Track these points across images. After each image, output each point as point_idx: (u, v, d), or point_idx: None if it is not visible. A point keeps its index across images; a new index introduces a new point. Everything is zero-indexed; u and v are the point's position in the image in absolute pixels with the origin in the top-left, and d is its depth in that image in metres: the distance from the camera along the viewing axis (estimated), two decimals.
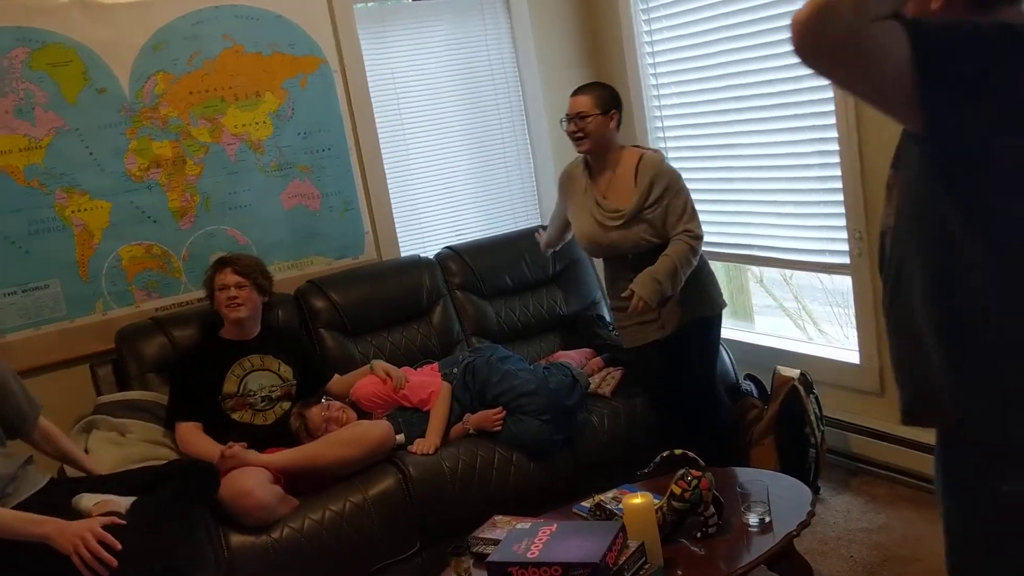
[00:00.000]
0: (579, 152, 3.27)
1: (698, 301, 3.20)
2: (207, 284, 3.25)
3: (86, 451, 2.98)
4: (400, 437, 3.19)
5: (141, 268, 3.52)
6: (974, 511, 1.46)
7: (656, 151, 3.33)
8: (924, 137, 1.30)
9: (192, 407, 3.11)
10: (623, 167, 3.22)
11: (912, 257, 1.43)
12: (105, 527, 2.33)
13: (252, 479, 2.83)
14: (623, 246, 3.17)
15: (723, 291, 3.39)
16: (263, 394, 3.19)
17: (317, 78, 3.78)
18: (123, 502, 2.50)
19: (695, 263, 3.12)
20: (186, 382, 3.14)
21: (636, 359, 3.35)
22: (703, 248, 3.18)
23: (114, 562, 2.29)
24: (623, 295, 3.08)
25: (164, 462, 2.90)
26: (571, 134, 3.21)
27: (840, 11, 1.18)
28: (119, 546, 2.31)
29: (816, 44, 1.22)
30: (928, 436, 3.19)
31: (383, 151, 3.97)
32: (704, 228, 3.20)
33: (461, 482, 3.07)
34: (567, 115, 3.22)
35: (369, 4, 3.97)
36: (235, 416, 3.15)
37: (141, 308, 3.51)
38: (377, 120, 3.95)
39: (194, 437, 3.06)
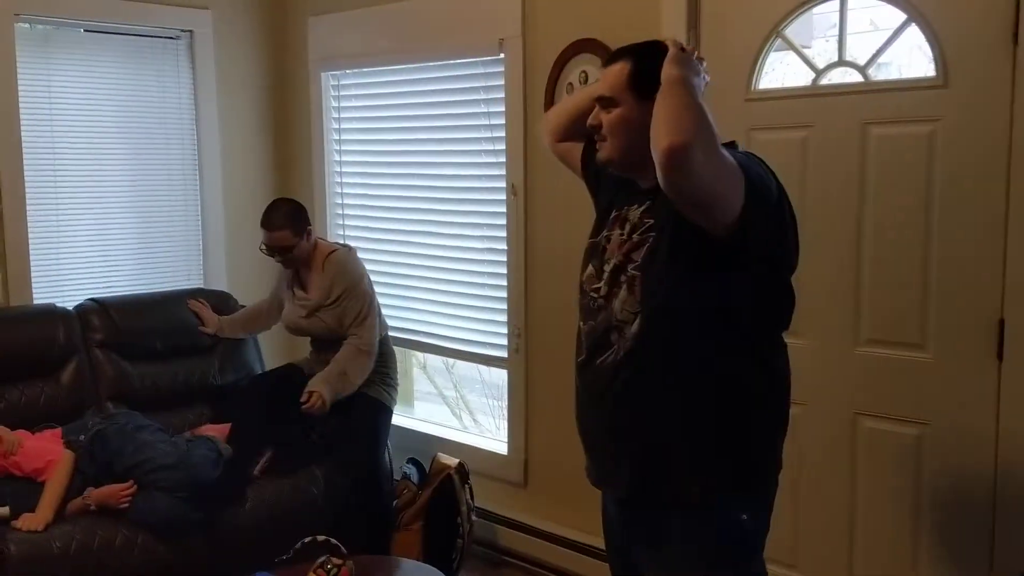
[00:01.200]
0: (285, 268, 3.56)
1: (376, 385, 3.46)
2: None
3: None
4: (4, 510, 2.81)
5: None
6: None
7: (346, 249, 3.56)
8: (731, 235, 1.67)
9: None
10: (316, 262, 3.50)
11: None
12: None
13: None
14: (313, 331, 3.52)
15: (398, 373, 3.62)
16: None
17: None
18: None
19: (369, 365, 3.40)
20: None
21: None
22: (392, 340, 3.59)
23: None
24: (302, 399, 3.24)
25: None
26: (277, 260, 3.50)
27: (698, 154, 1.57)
28: None
29: (687, 171, 1.60)
30: (563, 528, 3.36)
31: (27, 184, 3.56)
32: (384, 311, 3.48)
33: (73, 564, 2.74)
34: (268, 247, 3.45)
35: (36, 26, 3.60)
36: None
37: None
38: (24, 149, 3.54)
39: None
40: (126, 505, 2.91)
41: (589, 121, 1.88)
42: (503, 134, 3.48)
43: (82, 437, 3.04)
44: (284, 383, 3.42)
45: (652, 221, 1.80)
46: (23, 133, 3.55)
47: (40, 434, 3.11)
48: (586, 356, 1.90)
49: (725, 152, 1.66)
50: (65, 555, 2.74)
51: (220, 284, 4.06)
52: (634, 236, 1.82)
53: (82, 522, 2.86)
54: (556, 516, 3.45)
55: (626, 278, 1.81)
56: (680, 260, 1.73)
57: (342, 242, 3.68)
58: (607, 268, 1.87)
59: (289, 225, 3.40)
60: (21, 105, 3.53)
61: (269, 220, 3.42)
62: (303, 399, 3.23)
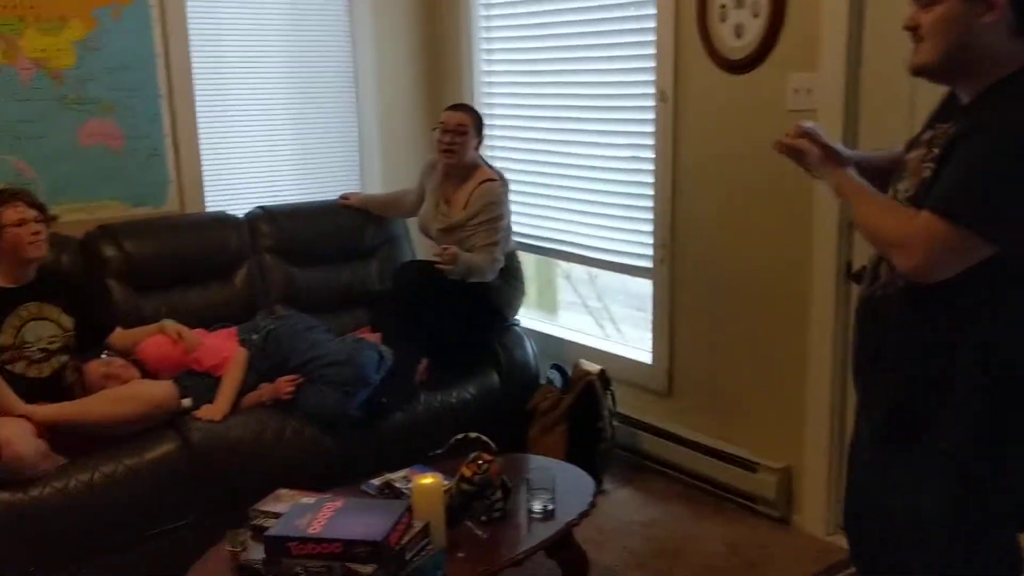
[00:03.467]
0: (444, 161, 3.57)
1: (499, 295, 3.58)
2: None
3: None
4: (187, 401, 3.03)
5: None
6: None
7: (501, 181, 3.59)
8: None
9: None
10: (470, 182, 3.55)
11: None
12: None
13: (12, 429, 2.59)
14: (439, 242, 3.53)
15: (528, 286, 3.73)
16: (40, 345, 2.93)
17: (132, 11, 3.52)
18: None
19: (488, 278, 3.47)
20: None
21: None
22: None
23: None
24: (439, 250, 3.37)
25: None
26: (445, 145, 3.51)
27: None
28: None
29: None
30: (705, 437, 3.40)
31: (198, 98, 3.75)
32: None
33: (248, 452, 2.96)
34: (444, 126, 3.52)
35: None
36: (12, 369, 2.88)
37: None
38: (194, 65, 3.72)
39: None
40: (289, 396, 3.11)
41: (904, 23, 1.66)
42: (653, 38, 3.41)
43: (255, 336, 3.26)
44: (413, 289, 3.52)
45: (938, 152, 1.60)
46: (192, 50, 3.71)
47: (217, 333, 3.35)
48: (866, 281, 1.78)
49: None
50: (240, 443, 2.95)
51: (376, 191, 4.20)
52: (923, 163, 1.64)
53: (255, 414, 3.07)
54: (698, 424, 3.47)
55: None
56: None
57: (499, 171, 3.71)
58: (899, 189, 1.69)
59: (471, 117, 3.58)
60: (189, 22, 3.70)
61: (455, 105, 3.67)
62: (437, 252, 3.35)
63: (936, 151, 1.61)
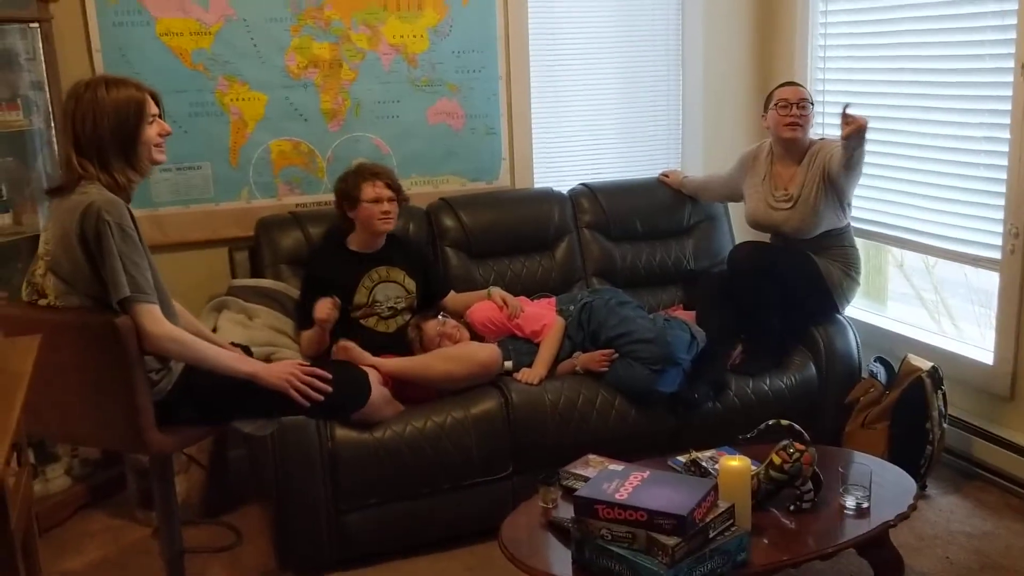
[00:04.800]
0: (787, 136, 3.49)
1: (837, 287, 3.45)
2: (347, 191, 3.25)
3: (214, 330, 3.12)
4: (508, 364, 3.23)
5: (287, 163, 3.65)
6: None
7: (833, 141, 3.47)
8: None
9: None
10: (803, 160, 3.49)
11: None
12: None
13: None
14: (784, 227, 3.50)
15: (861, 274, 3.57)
16: (389, 304, 3.29)
17: None
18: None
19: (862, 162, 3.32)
20: (318, 292, 3.18)
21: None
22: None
23: (329, 388, 2.48)
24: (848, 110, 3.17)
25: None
26: (792, 119, 3.45)
27: None
28: (329, 376, 2.50)
29: None
30: None
31: (533, 80, 3.95)
32: (855, 202, 3.51)
33: (561, 416, 3.10)
34: (788, 101, 3.47)
35: None
36: (365, 324, 3.26)
37: (283, 201, 3.65)
38: (532, 48, 3.92)
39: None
40: (605, 369, 3.20)
41: None
42: (1015, 6, 3.07)
43: (572, 307, 3.40)
44: (750, 273, 3.44)
45: None
46: (531, 35, 3.91)
47: (537, 301, 3.54)
48: None
49: None
50: (555, 407, 3.10)
51: (696, 173, 4.19)
52: None
53: (569, 381, 3.20)
54: None
55: None
56: None
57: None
58: None
59: (806, 89, 3.57)
60: (529, 6, 3.89)
61: (789, 82, 3.65)
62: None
63: None
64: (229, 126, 3.54)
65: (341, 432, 2.88)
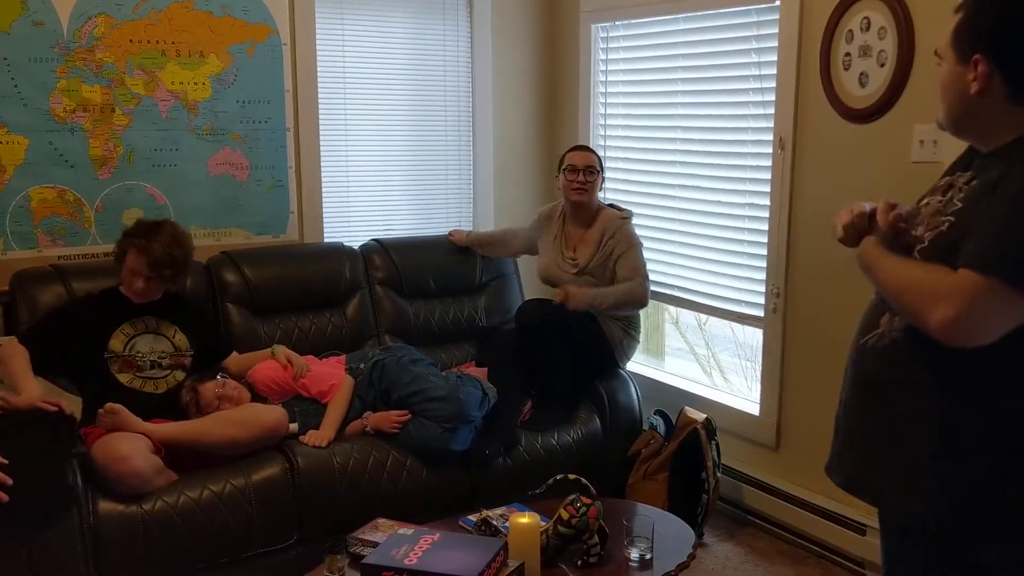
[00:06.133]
0: (575, 200, 3.64)
1: (617, 344, 3.57)
2: (118, 251, 3.06)
3: None
4: (294, 426, 3.10)
5: (50, 212, 3.37)
6: None
7: (627, 214, 3.69)
8: None
9: (49, 345, 2.92)
10: (598, 224, 3.64)
11: None
12: None
13: (131, 445, 2.71)
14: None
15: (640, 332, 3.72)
16: (152, 359, 3.07)
17: (265, 48, 3.69)
18: None
19: (629, 304, 3.55)
20: (62, 320, 2.98)
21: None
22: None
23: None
24: (558, 289, 3.51)
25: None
26: (579, 184, 3.60)
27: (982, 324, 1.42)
28: (9, 481, 2.28)
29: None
30: (814, 495, 3.27)
31: (322, 132, 3.89)
32: None
33: (350, 480, 3.00)
34: (576, 166, 3.62)
35: None
36: (121, 378, 3.01)
37: (44, 253, 3.36)
38: (321, 100, 3.87)
39: (18, 357, 2.85)
40: (397, 430, 3.14)
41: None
42: (773, 85, 3.36)
43: (362, 365, 3.32)
44: (538, 328, 3.51)
45: (960, 206, 1.51)
46: (320, 84, 3.85)
47: (326, 360, 3.43)
48: (857, 331, 1.69)
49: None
50: (343, 470, 3.00)
51: (487, 228, 4.26)
52: (940, 215, 1.54)
53: (359, 442, 3.10)
54: (807, 481, 3.35)
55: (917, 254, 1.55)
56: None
57: (625, 209, 3.79)
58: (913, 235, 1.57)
59: (596, 155, 3.71)
60: (318, 58, 3.84)
61: (580, 146, 3.81)
62: (559, 296, 3.46)
63: (956, 203, 1.52)
64: None
65: (105, 506, 2.65)
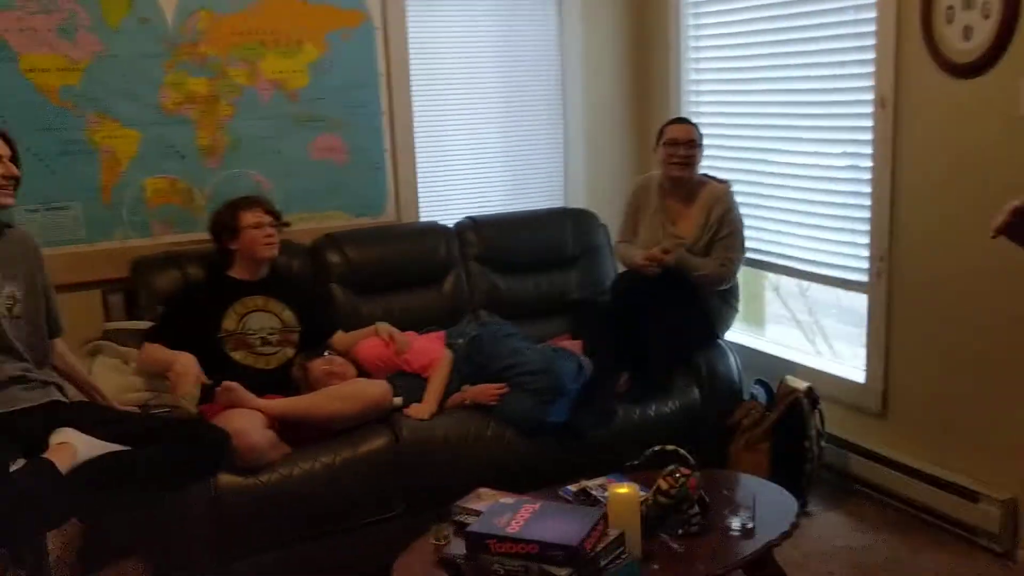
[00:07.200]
0: (675, 175, 3.60)
1: (715, 313, 3.59)
2: (226, 223, 3.22)
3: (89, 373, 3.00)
4: (398, 400, 3.20)
5: (163, 201, 3.54)
6: None
7: (727, 186, 3.64)
8: None
9: (176, 335, 3.07)
10: (701, 198, 3.60)
11: None
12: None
13: (247, 421, 2.85)
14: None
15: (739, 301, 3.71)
16: (262, 335, 3.20)
17: (359, 34, 3.77)
18: (83, 450, 2.40)
19: (718, 279, 3.55)
20: (180, 310, 3.15)
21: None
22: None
23: None
24: (660, 248, 3.51)
25: (167, 410, 2.91)
26: (680, 159, 3.55)
27: None
28: None
29: None
30: (922, 462, 3.20)
31: (415, 114, 3.96)
32: None
33: (452, 451, 3.08)
34: (677, 140, 3.56)
35: None
36: (235, 355, 3.16)
37: (158, 240, 3.53)
38: (413, 83, 3.93)
39: (158, 351, 3.01)
40: (495, 402, 3.21)
41: None
42: (872, 42, 3.26)
43: (460, 340, 3.40)
44: (634, 299, 3.52)
45: None
46: (412, 69, 3.92)
47: (426, 335, 3.52)
48: None
49: None
50: (445, 441, 3.08)
51: (579, 204, 4.27)
52: None
53: (459, 415, 3.19)
54: (914, 448, 3.28)
55: None
56: None
57: (725, 180, 3.75)
58: None
59: (695, 127, 3.65)
60: (410, 41, 3.90)
61: (679, 119, 3.75)
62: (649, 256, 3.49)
63: None
64: (100, 164, 3.41)
65: (225, 478, 2.79)
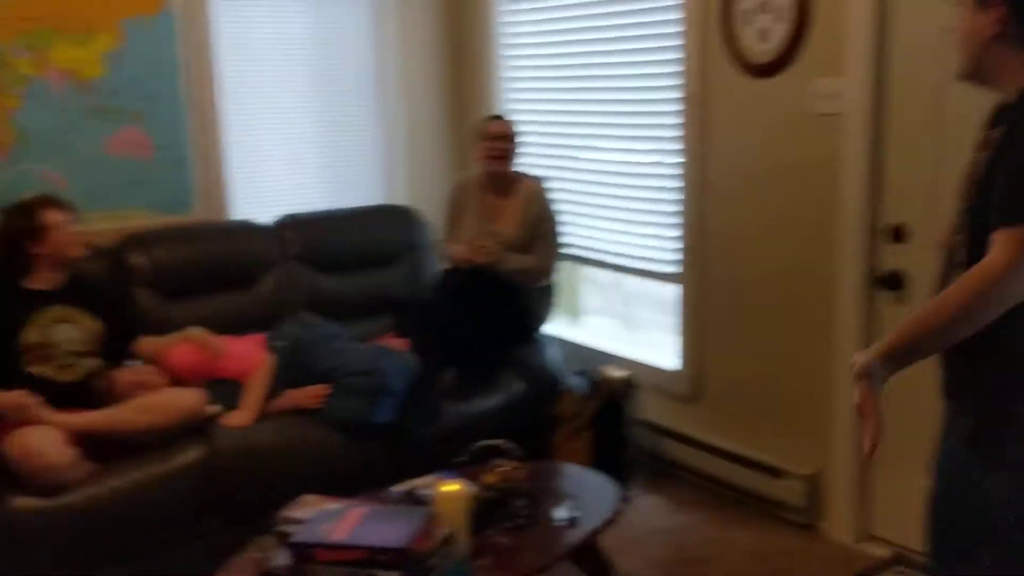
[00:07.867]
0: (493, 169, 3.65)
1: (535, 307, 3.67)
2: (27, 226, 2.95)
3: None
4: (214, 408, 3.05)
5: None
6: None
7: (538, 179, 3.71)
8: None
9: None
10: (517, 193, 3.66)
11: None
12: None
13: (42, 439, 2.63)
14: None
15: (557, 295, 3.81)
16: (67, 348, 2.97)
17: (159, 22, 3.57)
18: None
19: (535, 283, 3.64)
20: None
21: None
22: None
23: None
24: (476, 247, 3.55)
25: None
26: (497, 151, 3.62)
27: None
28: None
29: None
30: (732, 443, 3.37)
31: (229, 108, 3.79)
32: None
33: (274, 459, 2.97)
34: (494, 135, 3.62)
35: None
36: (33, 370, 2.91)
37: None
38: (224, 75, 3.76)
39: None
40: (320, 405, 3.11)
41: (947, 25, 1.66)
42: (679, 42, 3.40)
43: (282, 343, 3.27)
44: (456, 296, 3.52)
45: (988, 153, 1.54)
46: (220, 60, 3.74)
47: (244, 339, 3.36)
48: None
49: None
50: (266, 449, 2.97)
51: (401, 202, 4.22)
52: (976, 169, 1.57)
53: (281, 420, 3.08)
54: (724, 430, 3.45)
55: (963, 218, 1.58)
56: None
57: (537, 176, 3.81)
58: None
59: (511, 123, 3.72)
60: (222, 31, 3.73)
61: (494, 116, 3.80)
62: (466, 252, 3.53)
63: (983, 155, 1.56)
64: None
65: (21, 501, 2.57)
